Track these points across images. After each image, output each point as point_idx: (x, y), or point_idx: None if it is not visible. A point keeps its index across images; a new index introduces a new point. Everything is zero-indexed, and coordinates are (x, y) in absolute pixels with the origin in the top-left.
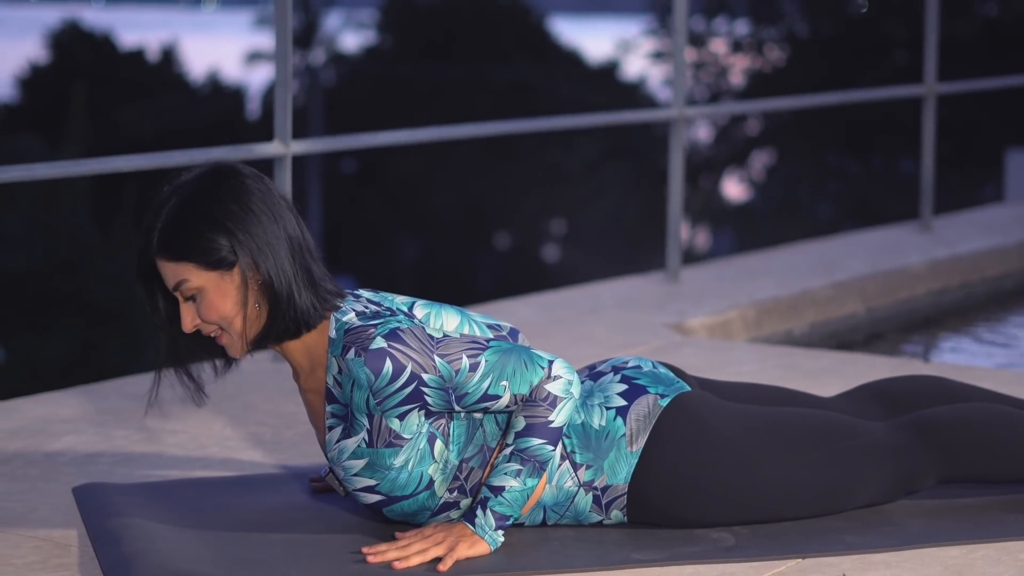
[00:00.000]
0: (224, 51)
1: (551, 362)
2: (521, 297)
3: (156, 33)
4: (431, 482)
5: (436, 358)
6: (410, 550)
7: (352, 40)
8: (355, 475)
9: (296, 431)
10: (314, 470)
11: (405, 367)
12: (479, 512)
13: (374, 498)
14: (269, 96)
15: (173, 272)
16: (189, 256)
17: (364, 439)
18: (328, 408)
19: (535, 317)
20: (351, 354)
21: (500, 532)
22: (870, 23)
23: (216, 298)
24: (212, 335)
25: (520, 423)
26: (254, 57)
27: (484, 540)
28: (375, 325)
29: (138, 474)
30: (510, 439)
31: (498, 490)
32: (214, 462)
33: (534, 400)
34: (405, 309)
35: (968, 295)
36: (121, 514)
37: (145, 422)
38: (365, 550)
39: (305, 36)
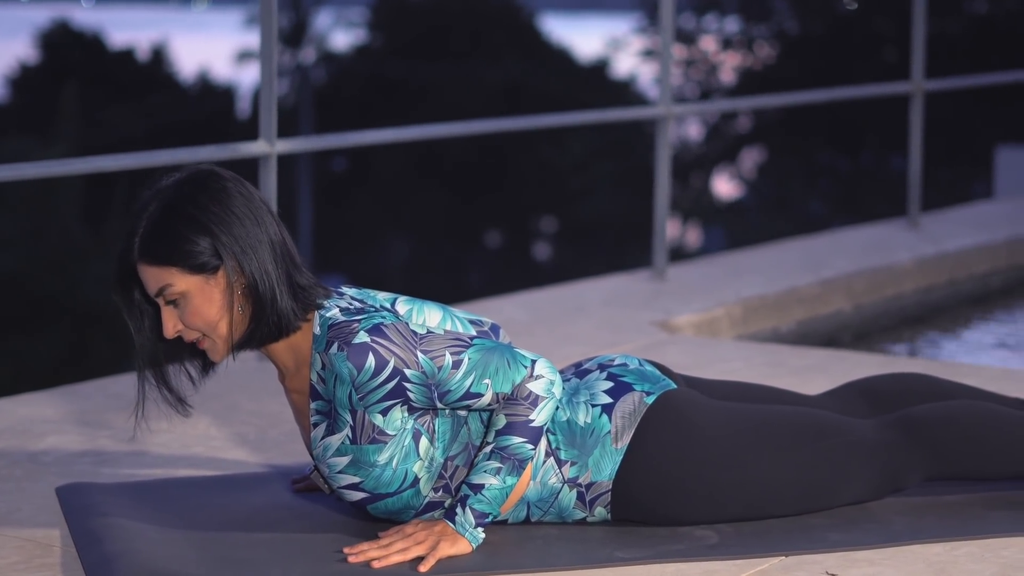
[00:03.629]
0: (214, 50)
1: (534, 361)
2: (507, 296)
3: (146, 32)
4: (416, 480)
5: (419, 354)
6: (391, 549)
7: (342, 39)
8: (340, 472)
9: (280, 430)
10: (298, 469)
11: (388, 362)
12: (459, 510)
13: (359, 496)
14: (259, 95)
15: (156, 277)
16: (172, 260)
17: (348, 436)
18: (312, 405)
19: (521, 316)
20: (334, 348)
21: (480, 530)
22: (860, 21)
23: (201, 303)
24: (193, 340)
25: (501, 421)
26: (244, 56)
27: (465, 538)
28: (358, 320)
29: (122, 474)
30: (491, 437)
31: (478, 488)
32: (198, 461)
33: (515, 399)
34: (388, 305)
35: (955, 292)
36: (104, 514)
37: (131, 430)
38: (346, 550)
39: (295, 35)
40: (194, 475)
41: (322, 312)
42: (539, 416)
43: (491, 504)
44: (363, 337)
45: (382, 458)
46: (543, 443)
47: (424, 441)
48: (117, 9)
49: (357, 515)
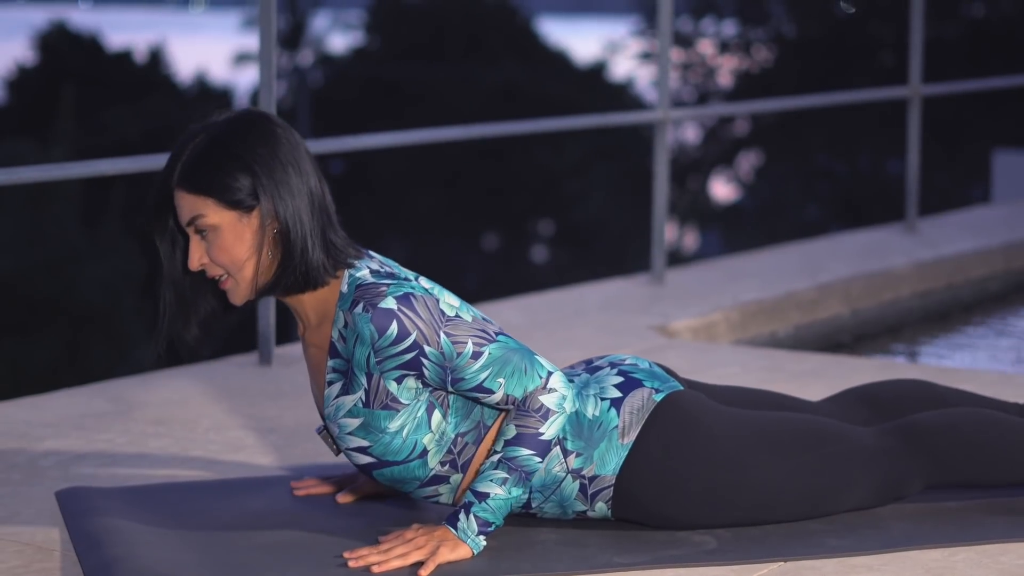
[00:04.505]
0: (212, 52)
1: (550, 374)
2: (505, 300)
3: (144, 34)
4: (424, 451)
5: (442, 334)
6: (391, 554)
7: (340, 41)
8: (349, 434)
9: (279, 435)
10: (296, 475)
11: (410, 334)
12: (462, 516)
13: (366, 460)
14: (257, 98)
15: (191, 205)
16: (210, 190)
17: (361, 398)
18: (330, 362)
19: (519, 320)
20: (359, 308)
21: (482, 537)
22: (857, 24)
23: (231, 240)
24: (216, 278)
25: (511, 431)
26: (242, 58)
27: (466, 544)
28: (387, 285)
29: (121, 476)
30: (499, 446)
31: (483, 496)
32: (197, 465)
33: (527, 410)
34: (412, 279)
35: (952, 297)
36: (104, 518)
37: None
38: (346, 554)
39: (293, 37)
40: (193, 479)
41: (352, 272)
42: (549, 430)
43: (495, 513)
44: (391, 303)
45: (393, 425)
46: (545, 459)
47: (437, 414)
48: (114, 10)
49: (355, 520)
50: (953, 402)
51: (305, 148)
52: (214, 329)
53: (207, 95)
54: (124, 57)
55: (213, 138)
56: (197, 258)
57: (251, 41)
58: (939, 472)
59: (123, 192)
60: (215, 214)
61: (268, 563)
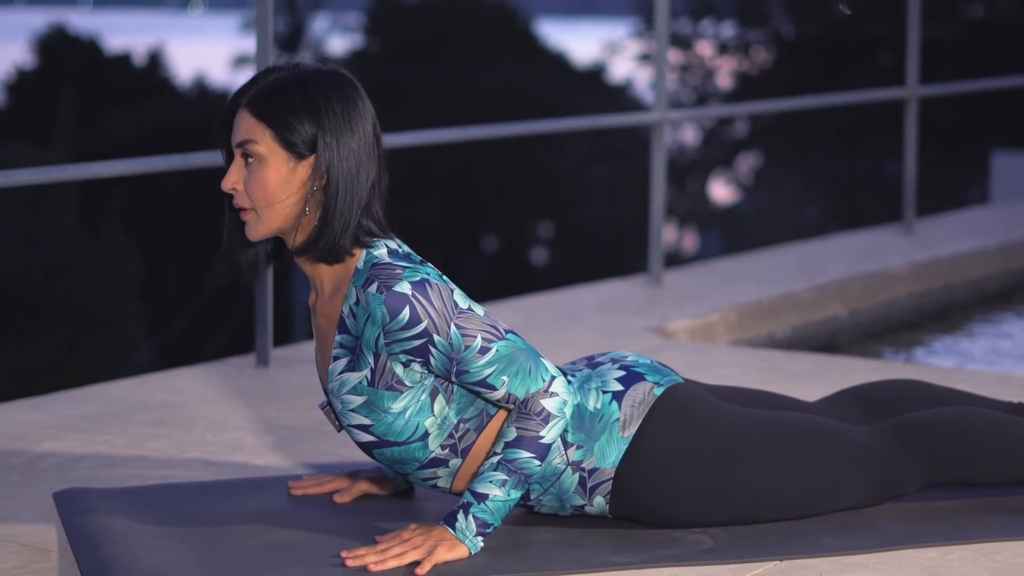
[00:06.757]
0: (211, 55)
1: (553, 378)
2: (503, 301)
3: (143, 37)
4: (426, 434)
5: (453, 325)
6: (388, 554)
7: (339, 43)
8: (352, 411)
9: (276, 436)
10: (295, 475)
11: (421, 321)
12: (460, 516)
13: (367, 438)
14: None
15: (247, 128)
16: (271, 121)
17: (367, 376)
18: (338, 337)
19: (516, 321)
20: (373, 288)
21: (480, 538)
22: (856, 25)
23: (271, 176)
24: (239, 207)
25: (511, 433)
26: (241, 61)
27: (464, 544)
28: (403, 267)
29: (119, 477)
30: (499, 448)
31: (482, 497)
32: (195, 466)
33: (528, 413)
34: (427, 264)
35: (950, 297)
36: (101, 519)
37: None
38: (343, 554)
39: (291, 39)
40: (191, 480)
41: (369, 249)
42: (549, 434)
43: (494, 515)
44: (406, 288)
45: (396, 407)
46: (544, 462)
47: (440, 399)
48: (113, 13)
49: (352, 520)
50: (949, 401)
51: (377, 130)
52: (263, 263)
53: (206, 98)
54: (123, 60)
55: (297, 78)
56: (232, 181)
57: (250, 43)
58: (935, 471)
59: (122, 194)
60: (266, 145)
61: (265, 563)
